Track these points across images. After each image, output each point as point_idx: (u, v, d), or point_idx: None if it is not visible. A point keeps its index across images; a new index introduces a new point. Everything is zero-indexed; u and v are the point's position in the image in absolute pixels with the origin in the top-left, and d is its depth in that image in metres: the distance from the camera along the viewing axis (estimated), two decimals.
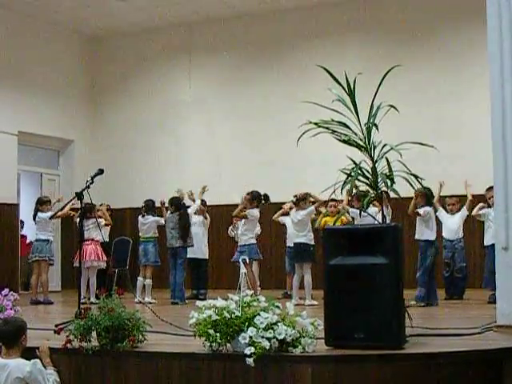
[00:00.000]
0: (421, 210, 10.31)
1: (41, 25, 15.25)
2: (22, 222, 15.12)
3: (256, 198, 11.08)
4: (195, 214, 12.12)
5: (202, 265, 12.28)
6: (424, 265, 10.23)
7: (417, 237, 10.43)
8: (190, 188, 12.38)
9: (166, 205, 11.81)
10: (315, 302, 10.26)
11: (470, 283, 11.55)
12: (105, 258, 12.13)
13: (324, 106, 5.99)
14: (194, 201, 12.15)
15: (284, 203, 12.03)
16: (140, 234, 12.03)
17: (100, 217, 12.42)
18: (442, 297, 10.91)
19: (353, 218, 10.66)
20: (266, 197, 11.48)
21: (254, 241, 11.00)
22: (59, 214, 11.76)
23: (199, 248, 12.11)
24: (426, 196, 10.25)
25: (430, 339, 5.79)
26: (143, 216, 12.01)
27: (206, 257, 12.41)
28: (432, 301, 10.08)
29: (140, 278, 11.75)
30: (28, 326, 5.68)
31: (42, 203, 11.98)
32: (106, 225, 12.72)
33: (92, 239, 11.91)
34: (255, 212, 11.02)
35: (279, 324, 5.07)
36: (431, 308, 9.80)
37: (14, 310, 6.42)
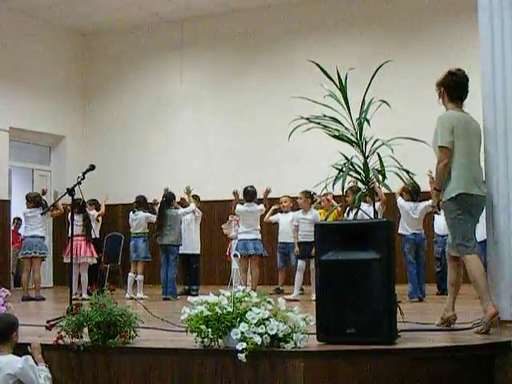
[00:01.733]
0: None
1: (32, 21, 15.20)
2: (20, 219, 15.10)
3: (245, 194, 11.11)
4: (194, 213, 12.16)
5: (193, 261, 12.27)
6: (405, 260, 10.32)
7: None
8: (180, 183, 12.36)
9: (158, 201, 11.83)
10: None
11: (462, 278, 11.54)
12: (95, 255, 12.13)
13: (316, 101, 5.98)
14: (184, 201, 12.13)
15: (276, 199, 12.09)
16: (131, 230, 12.03)
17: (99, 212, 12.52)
18: (434, 292, 10.95)
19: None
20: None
21: (240, 236, 10.97)
22: (55, 212, 11.84)
23: (191, 243, 12.11)
24: (409, 192, 10.28)
25: (422, 334, 5.79)
26: (134, 212, 12.02)
27: (198, 252, 12.40)
28: (419, 295, 10.13)
29: (131, 274, 11.74)
30: (19, 322, 5.66)
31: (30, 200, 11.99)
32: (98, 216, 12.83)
33: (83, 235, 11.89)
34: (239, 208, 11.02)
35: (271, 319, 5.07)
36: (423, 303, 9.82)
37: (5, 306, 6.41)
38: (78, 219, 11.73)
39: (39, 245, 11.85)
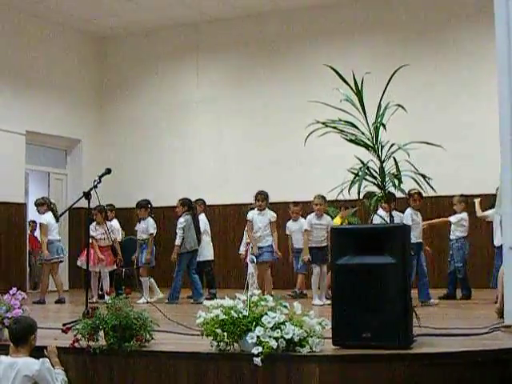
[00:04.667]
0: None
1: (48, 25, 15.27)
2: (35, 222, 15.17)
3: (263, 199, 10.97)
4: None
5: (207, 265, 12.27)
6: (420, 265, 10.31)
7: None
8: (196, 187, 12.36)
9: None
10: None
11: (478, 283, 11.50)
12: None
13: (332, 105, 5.99)
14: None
15: (290, 203, 12.08)
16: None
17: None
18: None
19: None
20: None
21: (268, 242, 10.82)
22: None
23: (205, 250, 12.11)
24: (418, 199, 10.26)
25: (438, 339, 5.78)
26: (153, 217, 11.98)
27: (212, 258, 12.40)
28: (422, 300, 10.08)
29: (148, 279, 11.73)
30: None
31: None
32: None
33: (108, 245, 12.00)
34: (249, 214, 10.90)
35: (287, 323, 5.07)
36: (438, 308, 9.78)
37: (21, 309, 6.43)
38: (102, 231, 11.76)
39: (62, 248, 12.01)
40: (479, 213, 10.99)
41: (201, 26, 15.67)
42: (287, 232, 12.00)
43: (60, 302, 11.56)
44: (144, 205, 11.86)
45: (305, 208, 11.89)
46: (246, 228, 11.43)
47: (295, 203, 12.01)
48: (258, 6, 14.80)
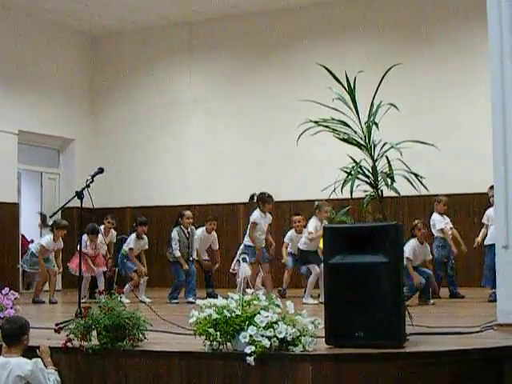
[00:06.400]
0: None
1: (41, 24, 15.23)
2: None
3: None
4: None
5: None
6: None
7: None
8: (189, 187, 12.33)
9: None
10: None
11: (470, 281, 11.55)
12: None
13: (324, 104, 5.99)
14: None
15: (284, 202, 12.05)
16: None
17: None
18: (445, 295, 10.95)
19: None
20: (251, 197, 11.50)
21: (247, 243, 10.75)
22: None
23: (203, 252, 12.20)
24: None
25: (431, 338, 5.78)
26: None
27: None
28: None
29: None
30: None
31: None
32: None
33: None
34: (258, 216, 10.72)
35: (279, 323, 5.07)
36: (432, 306, 9.79)
37: (14, 309, 6.42)
38: (93, 246, 11.92)
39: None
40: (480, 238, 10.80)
41: (194, 25, 15.64)
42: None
43: (35, 302, 11.59)
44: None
45: (298, 206, 11.92)
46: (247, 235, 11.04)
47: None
48: (250, 5, 14.78)
